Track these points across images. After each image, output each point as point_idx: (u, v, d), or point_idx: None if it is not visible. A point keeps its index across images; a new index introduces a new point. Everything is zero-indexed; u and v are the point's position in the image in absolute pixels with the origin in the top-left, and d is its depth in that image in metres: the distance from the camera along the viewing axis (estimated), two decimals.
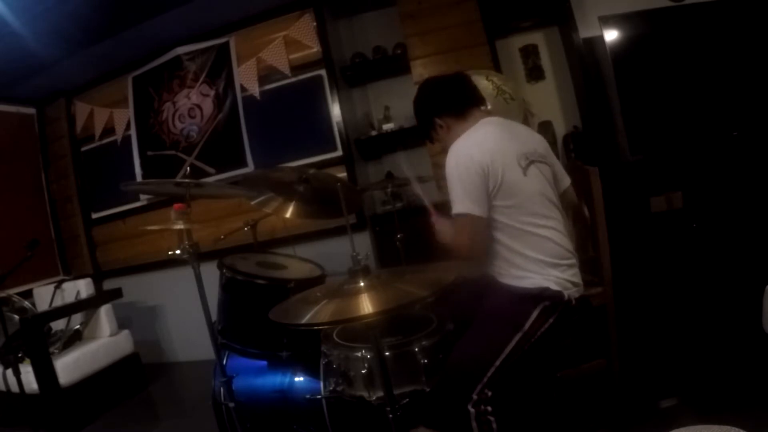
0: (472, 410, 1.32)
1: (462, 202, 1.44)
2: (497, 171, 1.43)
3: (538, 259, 1.44)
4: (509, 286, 1.47)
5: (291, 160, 3.28)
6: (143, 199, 3.67)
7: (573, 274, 1.49)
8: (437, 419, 1.48)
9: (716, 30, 2.83)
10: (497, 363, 1.36)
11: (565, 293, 1.44)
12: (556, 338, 1.48)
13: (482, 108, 1.65)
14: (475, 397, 1.33)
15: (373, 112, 3.60)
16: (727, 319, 2.30)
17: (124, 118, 3.72)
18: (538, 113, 3.28)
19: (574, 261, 1.51)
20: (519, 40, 3.40)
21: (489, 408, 1.33)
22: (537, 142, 1.59)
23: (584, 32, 3.03)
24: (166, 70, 3.60)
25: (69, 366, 2.83)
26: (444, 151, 1.60)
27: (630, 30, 2.94)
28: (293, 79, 3.34)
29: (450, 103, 1.63)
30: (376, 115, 3.56)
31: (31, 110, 3.91)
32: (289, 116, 3.36)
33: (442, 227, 1.55)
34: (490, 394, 1.34)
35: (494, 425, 1.32)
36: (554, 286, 1.43)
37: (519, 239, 1.45)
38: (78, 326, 3.18)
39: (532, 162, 1.50)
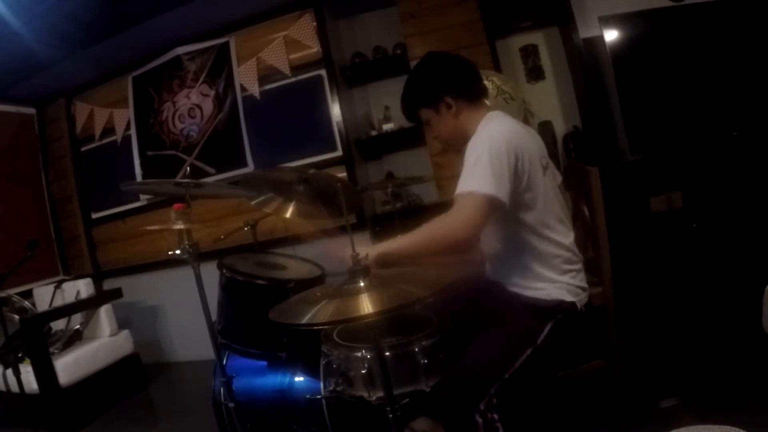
0: (479, 420, 1.29)
1: (487, 180, 1.25)
2: (527, 166, 1.33)
3: (553, 266, 1.41)
4: (523, 297, 1.43)
5: (291, 160, 3.28)
6: (143, 199, 3.67)
7: (582, 279, 1.48)
8: (437, 412, 1.47)
9: (716, 30, 2.83)
10: (505, 376, 1.33)
11: (578, 303, 1.42)
12: (562, 346, 1.48)
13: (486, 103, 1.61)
14: (482, 407, 1.30)
15: (373, 112, 3.60)
16: (727, 319, 2.30)
17: (124, 118, 3.72)
18: (538, 113, 3.29)
19: (581, 265, 1.50)
20: (519, 40, 3.39)
21: (496, 416, 1.31)
22: (542, 144, 1.56)
23: (584, 32, 3.03)
24: (166, 70, 3.60)
25: (69, 366, 2.82)
26: (444, 152, 1.58)
27: (630, 30, 2.93)
28: (293, 79, 3.34)
29: (468, 84, 1.48)
30: (376, 115, 3.56)
31: (31, 110, 3.91)
32: (289, 116, 3.36)
33: (419, 234, 1.28)
34: (496, 401, 1.32)
35: None
36: (568, 297, 1.41)
37: (538, 243, 1.41)
38: (78, 326, 3.18)
39: (548, 163, 1.48)
